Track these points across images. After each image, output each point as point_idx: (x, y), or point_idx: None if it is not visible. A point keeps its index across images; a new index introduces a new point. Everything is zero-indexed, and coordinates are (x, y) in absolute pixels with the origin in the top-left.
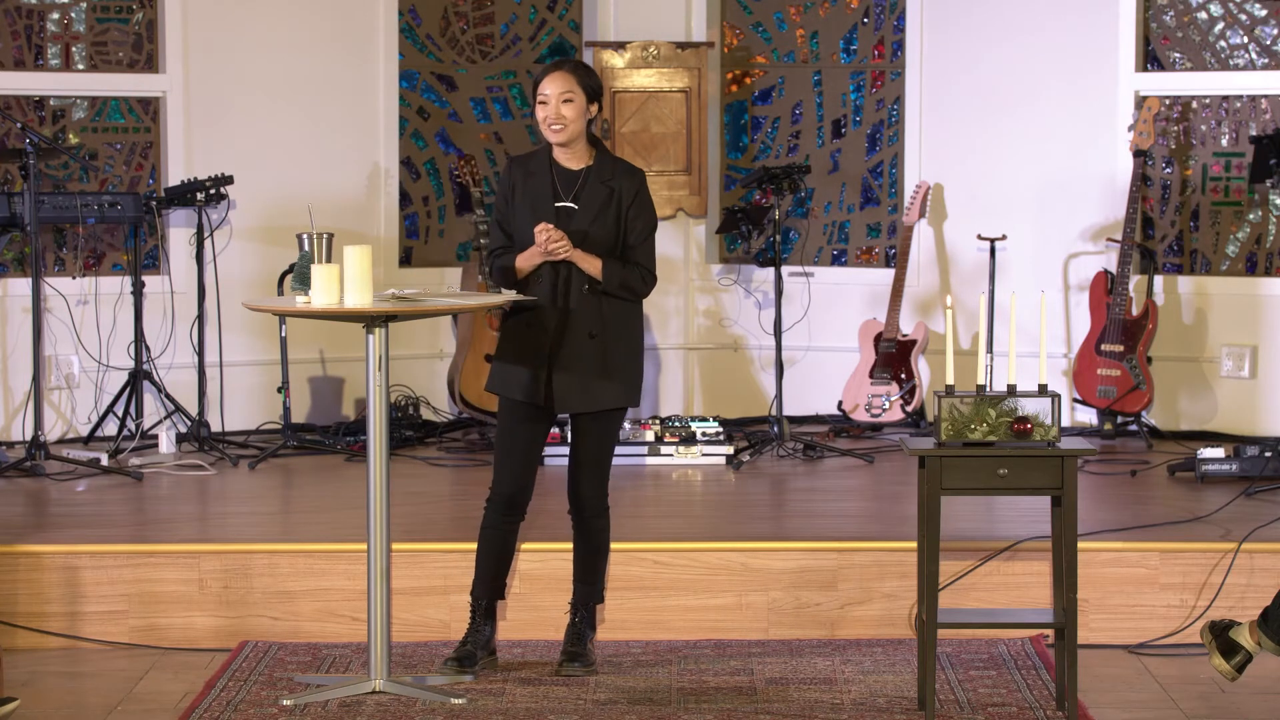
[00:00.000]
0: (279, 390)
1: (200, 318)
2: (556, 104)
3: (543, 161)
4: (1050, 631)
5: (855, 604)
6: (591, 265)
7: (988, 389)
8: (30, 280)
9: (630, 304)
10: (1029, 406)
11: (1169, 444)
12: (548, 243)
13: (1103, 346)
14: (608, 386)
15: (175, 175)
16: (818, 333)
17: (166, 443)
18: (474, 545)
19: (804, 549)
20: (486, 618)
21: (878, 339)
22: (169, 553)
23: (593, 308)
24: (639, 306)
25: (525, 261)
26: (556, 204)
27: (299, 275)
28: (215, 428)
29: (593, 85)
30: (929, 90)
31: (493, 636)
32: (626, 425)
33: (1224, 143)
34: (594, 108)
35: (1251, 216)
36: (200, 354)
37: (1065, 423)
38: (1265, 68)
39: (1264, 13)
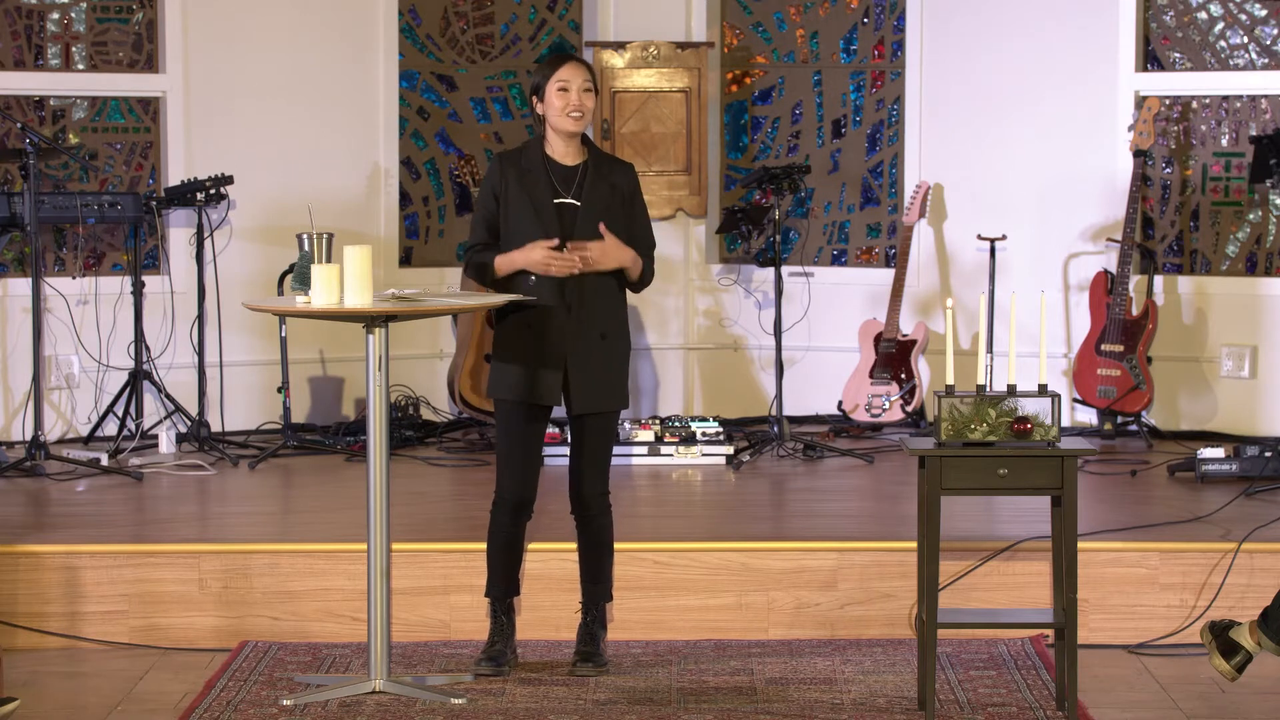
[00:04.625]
0: (279, 390)
1: (200, 318)
2: (579, 93)
3: (535, 157)
4: (1050, 631)
5: (855, 604)
6: (636, 266)
7: (988, 389)
8: (30, 280)
9: (625, 305)
10: (1029, 406)
11: (1169, 444)
12: (558, 267)
13: (1103, 346)
14: (618, 386)
15: (175, 175)
16: (818, 333)
17: (166, 443)
18: (474, 545)
19: (804, 549)
20: (508, 614)
21: (878, 339)
22: (169, 553)
23: (604, 309)
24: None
25: (509, 266)
26: (556, 200)
27: (299, 275)
28: (215, 428)
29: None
30: (929, 90)
31: (514, 634)
32: (625, 425)
33: (1224, 143)
34: None
35: (1251, 216)
36: (200, 354)
37: (1065, 423)
38: (1265, 68)
39: (1264, 13)
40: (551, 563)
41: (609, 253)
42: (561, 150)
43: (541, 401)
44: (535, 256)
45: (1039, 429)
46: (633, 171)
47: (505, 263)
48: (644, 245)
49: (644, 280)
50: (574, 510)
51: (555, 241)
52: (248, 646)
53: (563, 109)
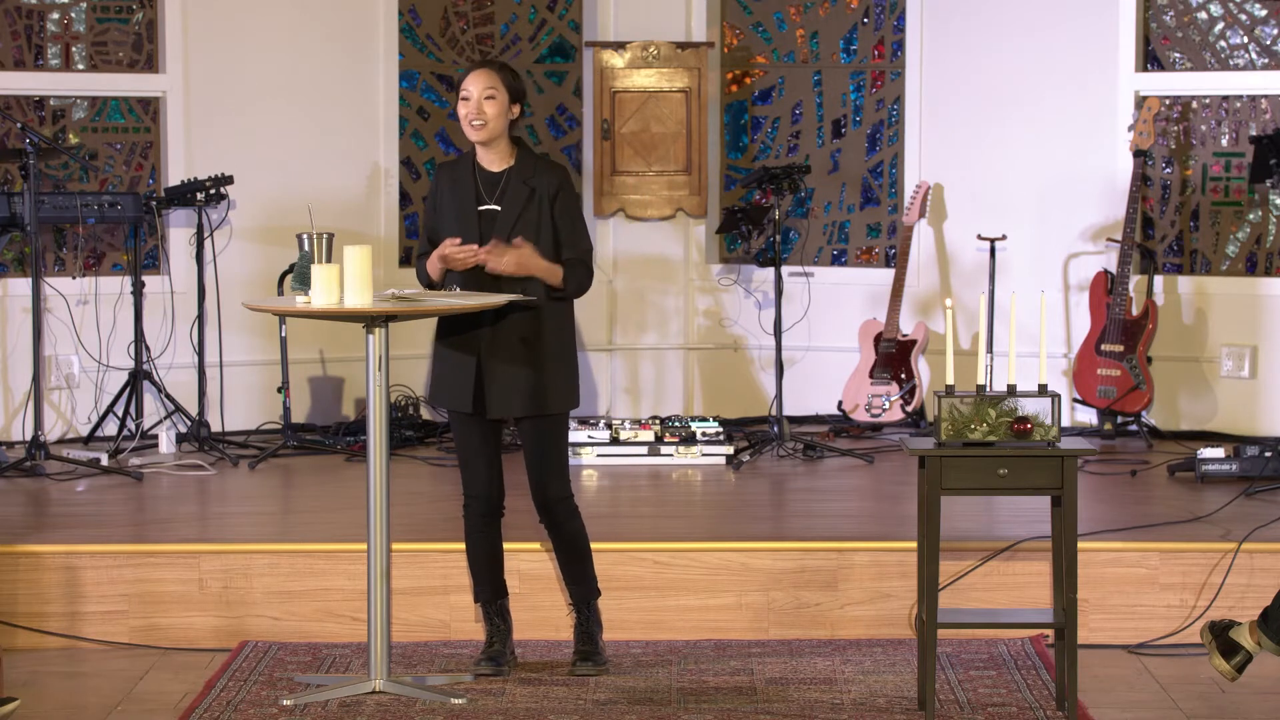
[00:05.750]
0: (279, 390)
1: (200, 318)
2: (479, 100)
3: (467, 166)
4: (1050, 631)
5: (855, 604)
6: (553, 276)
7: (988, 389)
8: (30, 280)
9: (562, 304)
10: (1029, 406)
11: (1169, 444)
12: (459, 260)
13: (1103, 346)
14: (547, 390)
15: (175, 175)
16: (818, 333)
17: (166, 443)
18: None
19: (804, 549)
20: (502, 616)
21: (878, 339)
22: (169, 553)
23: (524, 314)
24: (569, 306)
25: (432, 267)
26: (480, 207)
27: (299, 275)
28: (215, 428)
29: (516, 86)
30: (929, 90)
31: (510, 634)
32: (626, 424)
33: (1224, 143)
34: (515, 109)
35: (1251, 216)
36: (200, 354)
37: (1065, 423)
38: (1265, 68)
39: (1264, 13)
40: (550, 563)
41: (517, 260)
42: (488, 158)
43: (455, 407)
44: (444, 254)
45: (1039, 429)
46: (559, 173)
47: (431, 265)
48: (572, 247)
49: (571, 285)
50: (540, 518)
51: (458, 240)
52: (248, 646)
53: (464, 118)
